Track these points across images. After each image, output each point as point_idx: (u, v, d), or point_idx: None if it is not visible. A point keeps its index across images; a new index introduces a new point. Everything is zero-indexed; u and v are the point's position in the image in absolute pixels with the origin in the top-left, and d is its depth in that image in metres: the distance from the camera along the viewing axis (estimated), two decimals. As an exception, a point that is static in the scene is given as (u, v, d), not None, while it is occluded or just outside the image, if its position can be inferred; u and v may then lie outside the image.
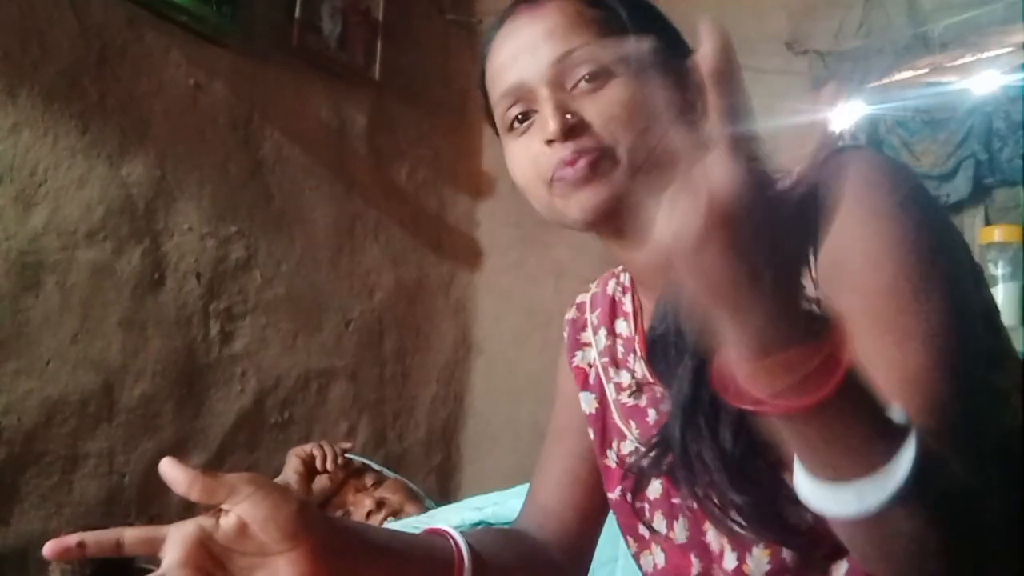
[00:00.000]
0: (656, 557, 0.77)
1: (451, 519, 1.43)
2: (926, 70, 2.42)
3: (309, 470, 1.66)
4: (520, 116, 0.74)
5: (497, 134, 0.79)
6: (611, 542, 1.24)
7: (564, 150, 0.69)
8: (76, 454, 1.70)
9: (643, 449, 0.76)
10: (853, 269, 0.60)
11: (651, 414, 0.79)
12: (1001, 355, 0.65)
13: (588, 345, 0.90)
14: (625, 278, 0.89)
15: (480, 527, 0.86)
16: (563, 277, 2.58)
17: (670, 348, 0.70)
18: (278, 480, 1.63)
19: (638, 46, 0.71)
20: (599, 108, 0.69)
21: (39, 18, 1.67)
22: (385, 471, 1.84)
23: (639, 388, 0.81)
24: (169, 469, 0.60)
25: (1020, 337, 2.05)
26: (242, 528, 0.59)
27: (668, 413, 0.71)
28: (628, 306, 0.86)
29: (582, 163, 0.68)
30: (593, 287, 0.94)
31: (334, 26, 2.28)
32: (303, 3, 2.17)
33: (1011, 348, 0.67)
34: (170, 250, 1.89)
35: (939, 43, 2.15)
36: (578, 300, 0.95)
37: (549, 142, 0.70)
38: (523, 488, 1.42)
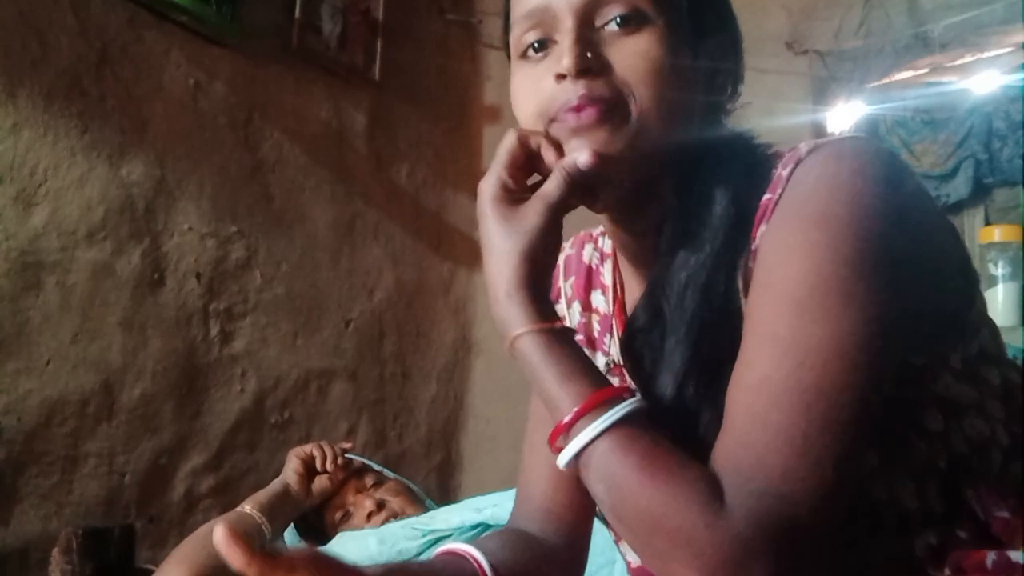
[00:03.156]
0: (631, 555, 0.76)
1: (451, 520, 1.42)
2: (926, 70, 2.42)
3: (309, 470, 1.66)
4: (537, 44, 0.67)
5: (509, 60, 0.72)
6: (609, 545, 1.24)
7: (574, 90, 0.64)
8: (76, 454, 1.70)
9: None
10: (766, 269, 0.60)
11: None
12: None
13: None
14: (604, 243, 0.83)
15: (490, 532, 0.84)
16: (563, 277, 2.58)
17: (649, 347, 0.67)
18: (278, 480, 1.63)
19: (676, 4, 0.66)
20: (624, 54, 0.64)
21: (39, 18, 1.67)
22: (386, 472, 1.83)
23: (609, 371, 0.78)
24: (225, 546, 0.52)
25: (1020, 337, 2.05)
26: None
27: None
28: (607, 277, 0.81)
29: (591, 111, 0.63)
30: (567, 248, 0.87)
31: (334, 26, 2.28)
32: (303, 3, 2.17)
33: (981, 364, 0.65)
34: (170, 250, 1.89)
35: (939, 43, 2.16)
36: None
37: (560, 77, 0.64)
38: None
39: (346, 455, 1.72)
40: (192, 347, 1.93)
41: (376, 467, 1.84)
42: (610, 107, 0.64)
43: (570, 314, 0.84)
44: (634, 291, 0.76)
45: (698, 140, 0.68)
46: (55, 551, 1.41)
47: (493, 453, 2.64)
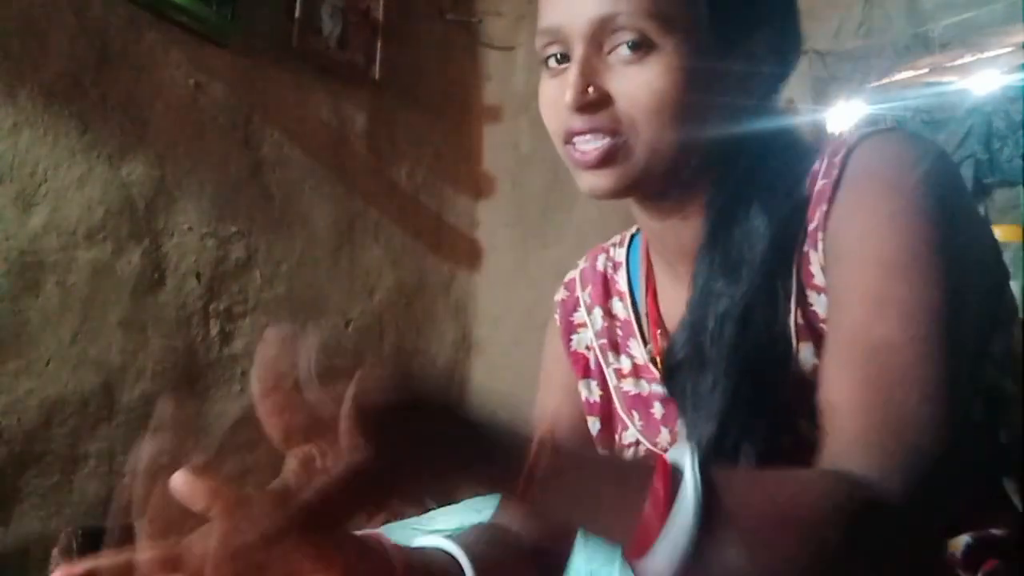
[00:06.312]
0: None
1: (450, 521, 1.42)
2: (926, 70, 2.42)
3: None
4: (558, 56, 0.67)
5: None
6: (608, 546, 1.24)
7: (577, 120, 0.64)
8: (76, 454, 1.70)
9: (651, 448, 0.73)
10: (849, 240, 0.61)
11: (656, 407, 0.76)
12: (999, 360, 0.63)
13: (583, 326, 0.85)
14: (616, 253, 0.85)
15: (469, 528, 0.83)
16: (563, 277, 2.58)
17: (690, 380, 0.66)
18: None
19: (694, 21, 0.63)
20: (628, 87, 0.63)
21: (39, 18, 1.67)
22: (385, 471, 1.83)
23: (637, 374, 0.78)
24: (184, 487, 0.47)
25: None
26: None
27: (681, 421, 0.69)
28: (623, 284, 0.82)
29: (594, 152, 0.64)
30: (581, 263, 0.90)
31: (334, 26, 2.28)
32: (303, 3, 2.17)
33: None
34: (170, 250, 1.89)
35: (939, 43, 2.15)
36: (566, 279, 0.90)
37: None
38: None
39: (346, 455, 1.72)
40: (192, 347, 1.93)
41: (376, 467, 1.83)
42: (610, 148, 0.64)
43: (591, 319, 0.84)
44: (668, 290, 0.76)
45: (733, 138, 0.67)
46: (55, 551, 1.41)
47: (493, 453, 2.63)
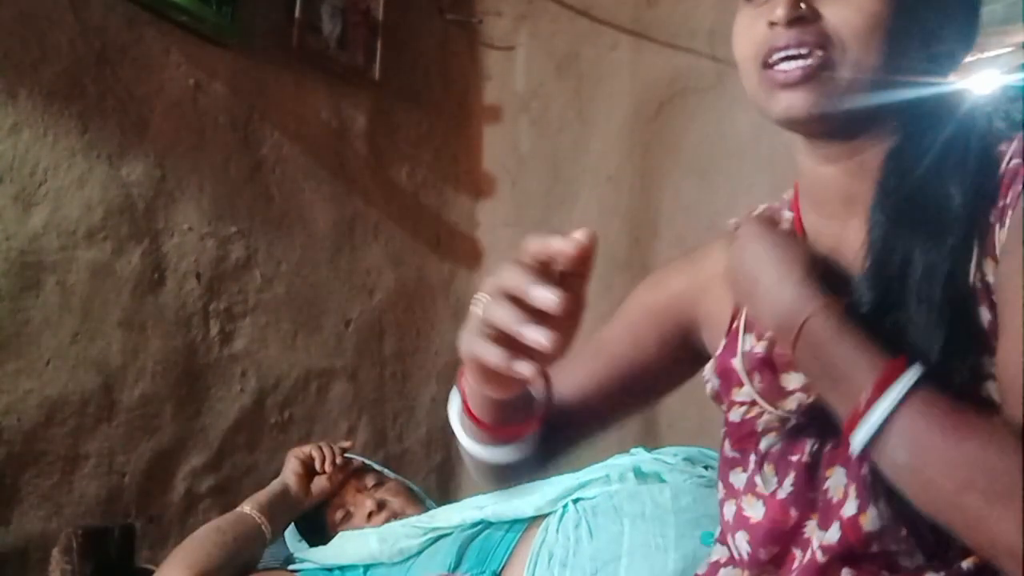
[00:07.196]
0: (752, 511, 0.75)
1: (452, 518, 1.42)
2: (926, 70, 2.41)
3: (308, 471, 1.66)
4: None
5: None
6: (615, 541, 1.24)
7: (783, 36, 0.66)
8: (76, 454, 1.70)
9: (794, 414, 0.73)
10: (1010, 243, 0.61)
11: (790, 379, 0.74)
12: None
13: None
14: None
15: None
16: (563, 277, 2.57)
17: (873, 313, 0.66)
18: (277, 481, 1.63)
19: None
20: (839, 7, 0.65)
21: (39, 18, 1.67)
22: (386, 472, 1.83)
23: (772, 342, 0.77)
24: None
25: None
26: None
27: None
28: None
29: (797, 70, 0.65)
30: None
31: (334, 26, 2.28)
32: (303, 3, 2.17)
33: None
34: (170, 250, 1.89)
35: (939, 43, 2.15)
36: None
37: (772, 24, 0.67)
38: (524, 487, 1.41)
39: (346, 455, 1.72)
40: (192, 347, 1.93)
41: (376, 467, 1.84)
42: (816, 64, 0.65)
43: None
44: (823, 235, 0.75)
45: (925, 91, 0.68)
46: (55, 551, 1.41)
47: (493, 453, 2.63)
